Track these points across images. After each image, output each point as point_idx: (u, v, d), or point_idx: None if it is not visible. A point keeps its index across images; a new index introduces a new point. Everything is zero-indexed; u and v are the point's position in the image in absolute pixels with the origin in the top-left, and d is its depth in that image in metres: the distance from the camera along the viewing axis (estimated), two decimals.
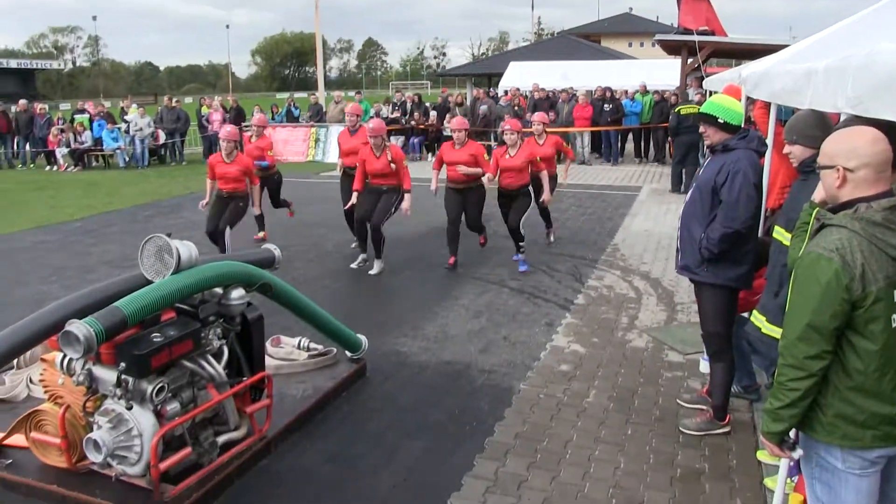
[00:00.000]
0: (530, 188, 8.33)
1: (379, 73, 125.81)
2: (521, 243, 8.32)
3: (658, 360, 5.71)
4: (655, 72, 21.54)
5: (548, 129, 9.62)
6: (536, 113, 9.48)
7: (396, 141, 19.61)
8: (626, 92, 18.37)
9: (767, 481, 3.88)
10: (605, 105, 17.66)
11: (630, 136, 18.90)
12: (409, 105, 20.39)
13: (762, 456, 4.13)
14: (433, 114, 19.57)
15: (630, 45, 52.52)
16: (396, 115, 20.01)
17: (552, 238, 9.66)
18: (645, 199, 13.12)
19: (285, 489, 3.99)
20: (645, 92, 18.22)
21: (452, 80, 48.65)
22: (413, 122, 19.54)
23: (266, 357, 4.81)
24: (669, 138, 15.67)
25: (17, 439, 4.17)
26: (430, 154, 19.42)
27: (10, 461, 4.11)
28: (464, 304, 7.09)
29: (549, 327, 6.46)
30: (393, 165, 7.94)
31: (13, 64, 69.44)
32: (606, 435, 4.51)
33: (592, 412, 4.82)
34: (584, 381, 5.31)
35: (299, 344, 5.49)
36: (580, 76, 22.07)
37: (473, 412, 4.85)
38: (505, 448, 4.36)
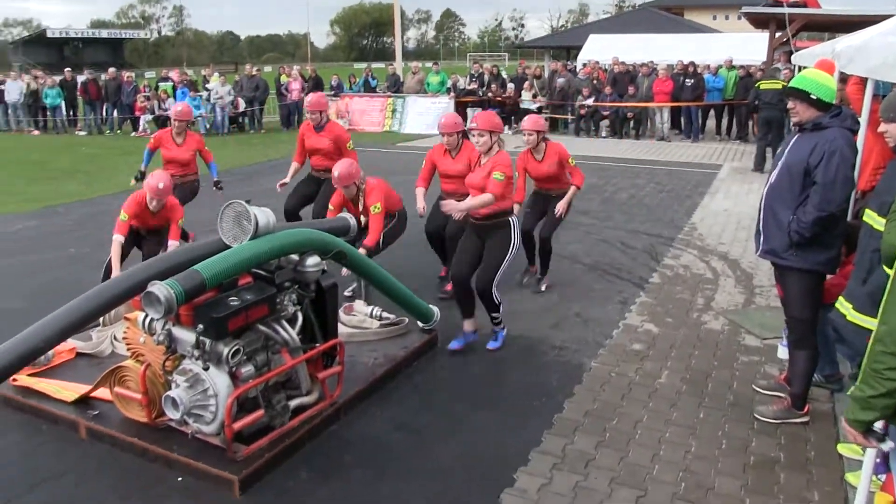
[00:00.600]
0: (513, 220, 5.28)
1: (456, 44, 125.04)
2: (494, 314, 5.40)
3: (734, 343, 5.55)
4: (740, 46, 20.75)
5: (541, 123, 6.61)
6: (527, 117, 6.66)
7: (472, 112, 19.54)
8: (709, 67, 17.73)
9: (849, 476, 3.72)
10: (687, 80, 17.11)
11: (711, 112, 18.30)
12: (486, 77, 20.23)
13: (844, 449, 3.97)
14: (510, 86, 19.37)
15: (714, 18, 50.76)
16: (473, 86, 19.88)
17: (543, 287, 6.82)
18: (725, 178, 12.71)
19: (354, 455, 4.05)
20: (730, 67, 17.54)
21: (530, 52, 48.05)
22: (490, 94, 19.39)
23: (339, 325, 4.87)
24: (754, 115, 15.10)
25: (103, 392, 4.36)
26: (506, 126, 19.23)
27: (97, 412, 4.31)
28: (536, 279, 7.03)
29: (623, 305, 6.35)
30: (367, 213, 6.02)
31: (104, 34, 72.05)
32: (678, 417, 4.42)
33: (664, 393, 4.73)
34: (657, 362, 5.21)
35: (372, 313, 5.55)
36: (661, 50, 21.46)
37: (543, 387, 4.82)
38: (574, 425, 4.32)
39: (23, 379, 4.60)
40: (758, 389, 4.75)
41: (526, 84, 19.12)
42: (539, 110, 19.16)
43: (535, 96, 19.12)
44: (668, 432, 4.25)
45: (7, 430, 4.31)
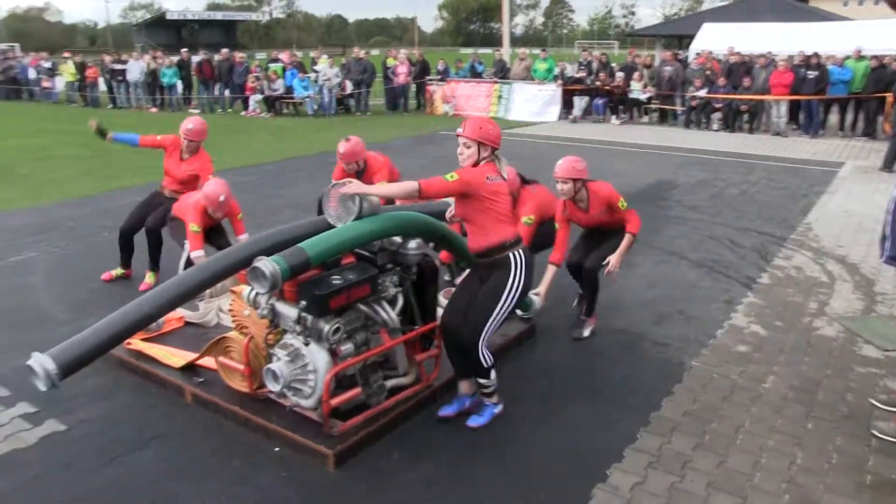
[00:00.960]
0: (515, 256, 4.03)
1: (565, 31, 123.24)
2: (483, 380, 4.19)
3: (849, 352, 5.24)
4: (873, 34, 19.34)
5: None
6: (561, 161, 5.16)
7: (580, 101, 19.25)
8: (834, 57, 16.63)
9: None
10: (808, 72, 16.16)
11: (835, 106, 17.25)
12: (594, 65, 19.84)
13: None
14: (619, 75, 18.93)
15: (846, 4, 47.80)
16: (581, 74, 19.54)
17: (586, 332, 5.48)
18: (847, 177, 12.01)
19: (447, 439, 4.06)
20: (859, 57, 16.39)
21: (641, 40, 46.76)
22: (598, 83, 19.02)
23: (438, 308, 4.88)
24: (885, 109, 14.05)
25: (208, 361, 4.53)
26: (613, 116, 18.88)
27: (203, 380, 4.49)
28: (640, 274, 6.86)
29: (729, 305, 6.11)
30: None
31: (218, 16, 75.25)
32: (783, 425, 4.20)
33: (769, 399, 4.51)
34: (763, 366, 4.98)
35: None
36: (782, 40, 20.34)
37: (641, 384, 4.70)
38: (671, 425, 4.19)
39: (136, 343, 4.84)
40: (876, 404, 4.45)
41: (636, 74, 18.63)
42: (648, 100, 18.69)
43: (644, 86, 18.64)
44: (772, 440, 4.05)
45: (120, 390, 4.55)
